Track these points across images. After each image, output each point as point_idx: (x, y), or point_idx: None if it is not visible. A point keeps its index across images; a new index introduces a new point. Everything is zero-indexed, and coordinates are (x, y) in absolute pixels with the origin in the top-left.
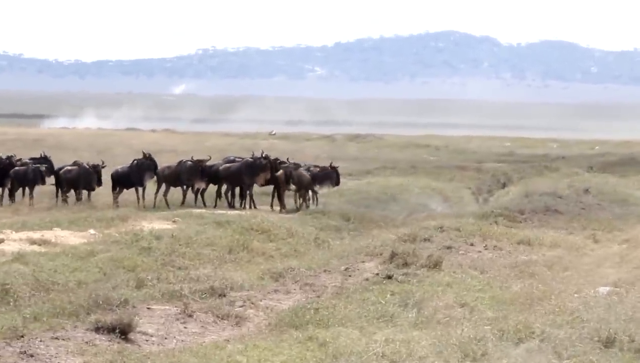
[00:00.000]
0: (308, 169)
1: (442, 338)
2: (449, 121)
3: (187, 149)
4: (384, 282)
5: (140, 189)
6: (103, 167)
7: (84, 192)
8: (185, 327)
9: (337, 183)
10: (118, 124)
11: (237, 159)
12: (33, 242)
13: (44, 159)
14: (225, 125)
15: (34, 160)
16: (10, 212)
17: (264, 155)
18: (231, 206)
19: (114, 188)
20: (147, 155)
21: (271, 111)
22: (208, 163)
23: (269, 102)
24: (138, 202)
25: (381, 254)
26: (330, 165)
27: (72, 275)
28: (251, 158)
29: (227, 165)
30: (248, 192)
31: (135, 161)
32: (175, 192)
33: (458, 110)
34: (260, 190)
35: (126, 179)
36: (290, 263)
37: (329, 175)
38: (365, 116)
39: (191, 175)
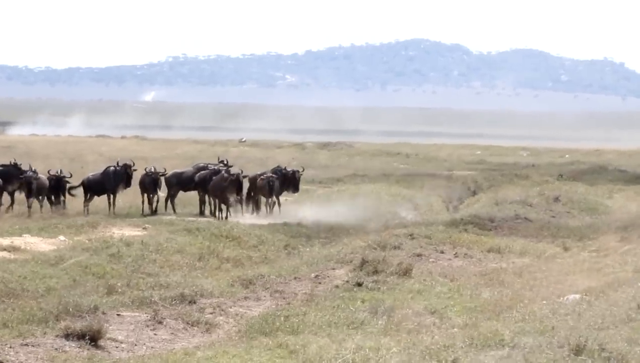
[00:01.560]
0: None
1: (412, 345)
2: (419, 129)
3: (158, 156)
4: (354, 289)
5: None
6: (68, 178)
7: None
8: (155, 334)
9: (295, 189)
10: (88, 131)
11: (208, 166)
12: (2, 248)
13: (14, 167)
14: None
15: (3, 166)
16: None
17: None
18: (201, 213)
19: (85, 195)
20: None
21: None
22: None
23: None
24: (109, 209)
25: (351, 261)
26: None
27: (41, 282)
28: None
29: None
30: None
31: (111, 168)
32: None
33: (429, 118)
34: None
35: (99, 186)
36: (261, 271)
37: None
38: (336, 124)
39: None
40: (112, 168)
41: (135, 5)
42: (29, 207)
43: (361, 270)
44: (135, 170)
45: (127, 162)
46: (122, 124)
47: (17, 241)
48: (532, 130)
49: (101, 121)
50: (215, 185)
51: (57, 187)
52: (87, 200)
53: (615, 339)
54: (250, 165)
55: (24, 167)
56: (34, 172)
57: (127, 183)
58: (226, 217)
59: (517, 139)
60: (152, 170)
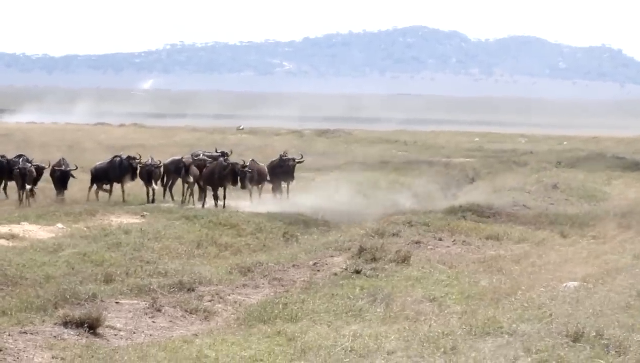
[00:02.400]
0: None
1: (410, 332)
2: (417, 116)
3: (156, 143)
4: (353, 276)
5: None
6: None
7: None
8: (153, 322)
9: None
10: (86, 118)
11: (205, 154)
12: (1, 236)
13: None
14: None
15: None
16: None
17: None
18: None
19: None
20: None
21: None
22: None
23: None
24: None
25: (349, 249)
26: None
27: (40, 270)
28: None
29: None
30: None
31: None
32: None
33: (427, 105)
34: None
35: (104, 175)
36: (259, 258)
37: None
38: (335, 111)
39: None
40: (118, 158)
41: None
42: (20, 198)
43: (359, 257)
44: (139, 162)
45: (132, 155)
46: (121, 112)
47: (16, 229)
48: (530, 117)
49: (100, 109)
50: (209, 174)
51: (62, 179)
52: (97, 189)
53: (613, 326)
54: (249, 152)
55: (22, 159)
56: (28, 161)
57: (133, 176)
58: (224, 206)
59: (515, 126)
60: (149, 161)
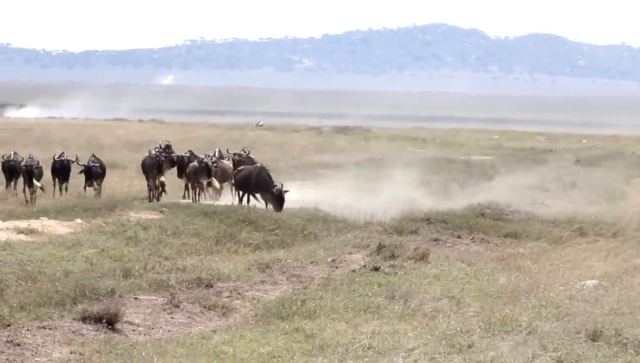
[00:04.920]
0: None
1: (428, 330)
2: (436, 114)
3: (175, 139)
4: (371, 273)
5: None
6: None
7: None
8: (172, 317)
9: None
10: (105, 114)
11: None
12: (20, 231)
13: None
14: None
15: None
16: None
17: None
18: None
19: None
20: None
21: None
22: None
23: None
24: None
25: (368, 246)
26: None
27: (58, 265)
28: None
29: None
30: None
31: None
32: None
33: (446, 103)
34: None
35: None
36: (277, 255)
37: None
38: (353, 108)
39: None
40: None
41: None
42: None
43: (378, 254)
44: (173, 153)
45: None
46: (140, 108)
47: (35, 224)
48: (549, 115)
49: (118, 104)
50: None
51: (61, 171)
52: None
53: (631, 325)
54: (267, 148)
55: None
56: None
57: (172, 164)
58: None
59: (534, 124)
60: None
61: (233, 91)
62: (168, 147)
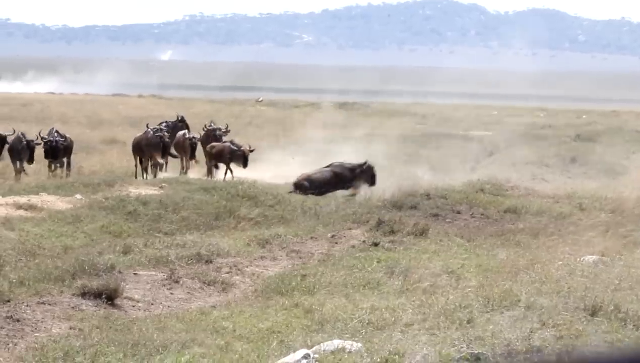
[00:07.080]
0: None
1: (427, 305)
2: (436, 89)
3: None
4: (371, 249)
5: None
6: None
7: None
8: (171, 293)
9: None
10: (105, 89)
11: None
12: (19, 206)
13: None
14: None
15: None
16: None
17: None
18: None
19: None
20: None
21: None
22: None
23: None
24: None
25: (368, 221)
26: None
27: (58, 240)
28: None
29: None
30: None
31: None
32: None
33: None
34: None
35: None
36: (277, 230)
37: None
38: (352, 84)
39: None
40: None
41: None
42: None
43: (377, 230)
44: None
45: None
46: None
47: (34, 199)
48: (549, 90)
49: (118, 79)
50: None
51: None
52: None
53: (631, 300)
54: (267, 124)
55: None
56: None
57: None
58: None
59: (534, 99)
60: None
61: (232, 66)
62: (182, 120)
